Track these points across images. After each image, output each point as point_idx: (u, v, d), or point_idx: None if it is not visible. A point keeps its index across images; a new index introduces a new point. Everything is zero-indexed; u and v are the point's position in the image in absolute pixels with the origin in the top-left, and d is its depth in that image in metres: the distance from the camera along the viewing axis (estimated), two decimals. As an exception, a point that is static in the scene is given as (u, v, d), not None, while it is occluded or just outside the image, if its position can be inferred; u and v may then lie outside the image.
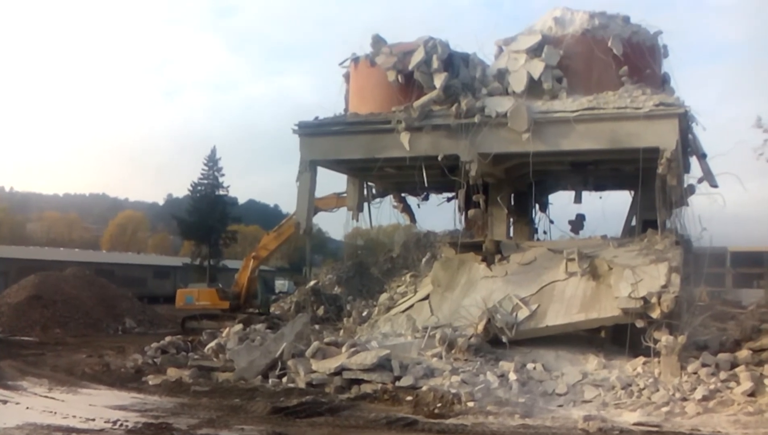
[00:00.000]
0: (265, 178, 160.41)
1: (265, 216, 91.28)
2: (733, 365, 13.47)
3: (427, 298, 18.07)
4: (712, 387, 12.61)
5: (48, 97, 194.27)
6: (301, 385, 13.87)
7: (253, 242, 70.16)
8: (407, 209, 25.78)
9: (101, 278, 36.02)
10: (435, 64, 18.97)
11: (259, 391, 13.60)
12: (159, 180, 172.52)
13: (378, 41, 20.00)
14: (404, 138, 18.44)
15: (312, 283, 33.45)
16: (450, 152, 18.17)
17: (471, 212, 20.02)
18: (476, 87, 19.08)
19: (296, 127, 20.05)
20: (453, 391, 12.54)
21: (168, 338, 19.30)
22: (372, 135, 19.21)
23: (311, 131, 20.01)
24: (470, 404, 12.07)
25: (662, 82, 20.05)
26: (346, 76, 21.25)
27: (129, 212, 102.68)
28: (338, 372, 13.72)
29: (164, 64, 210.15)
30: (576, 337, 15.89)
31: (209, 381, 14.79)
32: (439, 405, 12.07)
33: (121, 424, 10.81)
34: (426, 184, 19.59)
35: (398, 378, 13.45)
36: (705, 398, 12.18)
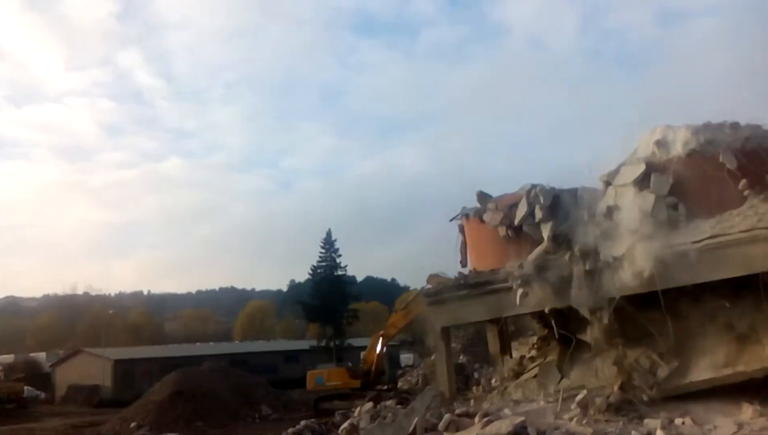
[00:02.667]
0: (380, 253, 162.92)
1: (384, 291, 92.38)
2: None
3: (554, 360, 17.41)
4: None
5: (176, 204, 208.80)
6: (438, 459, 13.66)
7: (374, 319, 70.92)
8: None
9: (236, 368, 37.40)
10: (539, 214, 18.26)
11: (396, 469, 13.50)
12: (281, 268, 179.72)
13: (483, 197, 19.85)
14: (523, 295, 17.44)
15: (437, 354, 33.08)
16: (570, 303, 16.87)
17: None
18: (587, 226, 17.54)
19: (426, 286, 20.18)
20: (597, 454, 11.94)
21: (303, 422, 19.60)
22: (496, 294, 18.33)
23: (438, 299, 19.57)
24: (617, 467, 11.42)
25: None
26: (461, 228, 20.98)
27: (256, 302, 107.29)
28: (474, 443, 13.41)
29: (278, 157, 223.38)
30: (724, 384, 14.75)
31: (347, 462, 14.84)
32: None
33: None
34: (556, 336, 18.19)
35: (537, 445, 12.97)
36: None
